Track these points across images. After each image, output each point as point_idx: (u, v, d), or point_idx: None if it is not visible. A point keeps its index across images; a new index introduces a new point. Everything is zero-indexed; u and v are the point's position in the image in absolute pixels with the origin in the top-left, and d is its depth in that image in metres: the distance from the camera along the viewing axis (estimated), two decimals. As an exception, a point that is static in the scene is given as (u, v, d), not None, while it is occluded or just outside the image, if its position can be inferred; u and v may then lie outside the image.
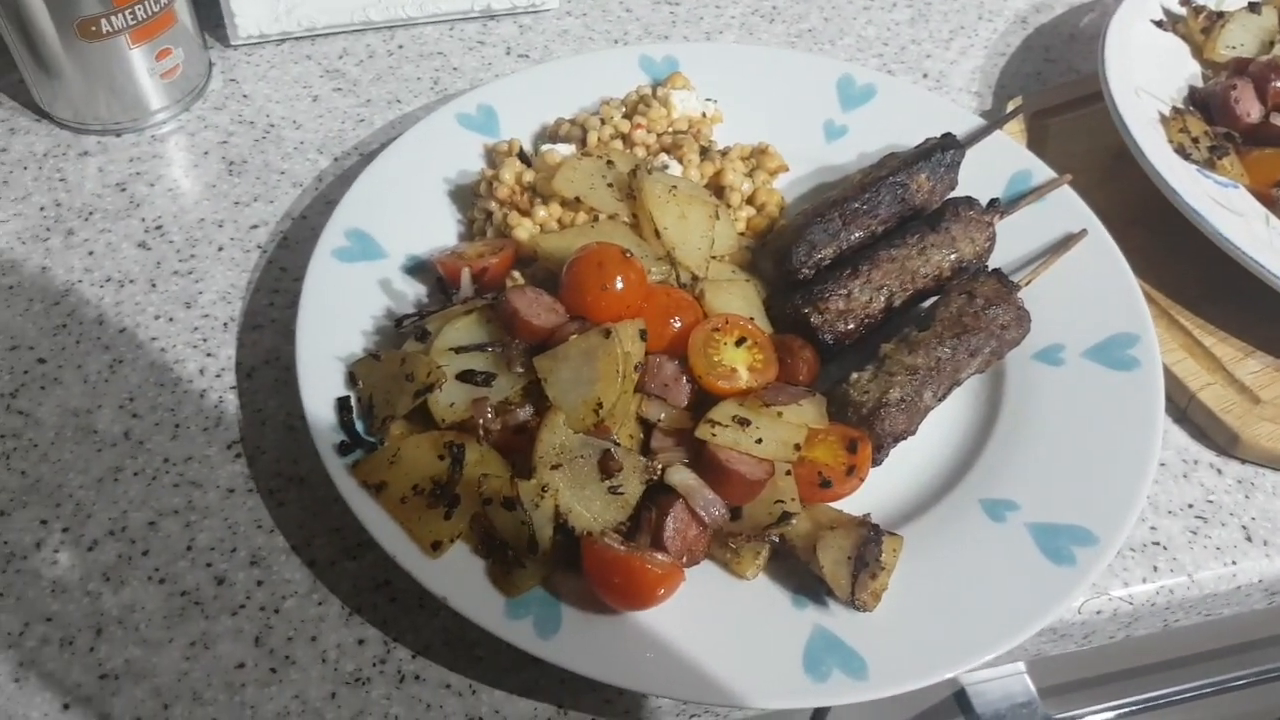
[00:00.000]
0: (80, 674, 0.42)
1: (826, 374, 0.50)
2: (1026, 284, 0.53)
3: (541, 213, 0.54)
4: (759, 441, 0.44)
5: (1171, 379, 0.53)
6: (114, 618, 0.43)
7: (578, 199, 0.54)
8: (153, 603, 0.44)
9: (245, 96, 0.66)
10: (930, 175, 0.56)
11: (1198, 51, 0.67)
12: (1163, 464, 0.51)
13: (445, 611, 0.43)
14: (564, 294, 0.48)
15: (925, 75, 0.71)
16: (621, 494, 0.42)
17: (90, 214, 0.59)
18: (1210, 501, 0.50)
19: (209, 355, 0.53)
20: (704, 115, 0.60)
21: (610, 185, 0.54)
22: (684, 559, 0.42)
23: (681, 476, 0.43)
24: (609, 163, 0.55)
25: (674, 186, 0.53)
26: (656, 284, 0.50)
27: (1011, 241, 0.56)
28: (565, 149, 0.56)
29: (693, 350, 0.47)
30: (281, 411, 0.50)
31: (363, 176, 0.55)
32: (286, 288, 0.56)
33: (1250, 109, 0.62)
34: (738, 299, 0.52)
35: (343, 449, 0.45)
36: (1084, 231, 0.56)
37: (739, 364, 0.47)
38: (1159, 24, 0.68)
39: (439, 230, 0.56)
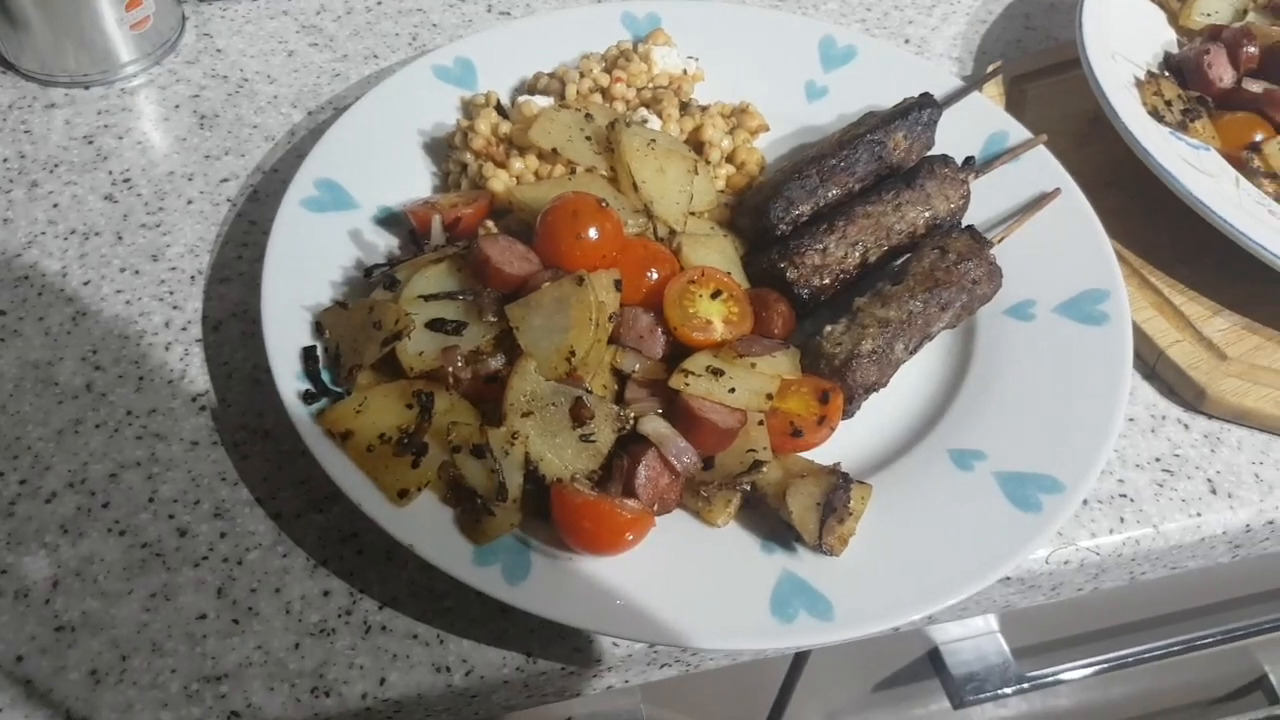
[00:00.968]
0: (35, 626, 0.41)
1: (801, 329, 0.50)
2: (999, 241, 0.54)
3: (518, 165, 0.53)
4: (732, 391, 0.44)
5: (1141, 336, 0.53)
6: (71, 569, 0.42)
7: (555, 151, 0.53)
8: (112, 555, 0.43)
9: (219, 51, 0.65)
10: (907, 134, 0.56)
11: (1173, 19, 0.68)
12: (1131, 419, 0.51)
13: (413, 563, 0.43)
14: (538, 243, 0.47)
15: (907, 41, 0.71)
16: (593, 442, 0.42)
17: (55, 166, 0.58)
18: (1177, 455, 0.50)
19: (175, 308, 0.52)
20: (685, 72, 0.60)
21: (588, 138, 0.54)
22: (655, 507, 0.42)
23: (654, 425, 0.43)
24: (587, 116, 0.54)
25: (653, 140, 0.53)
26: (633, 236, 0.50)
27: (986, 200, 0.56)
28: (543, 101, 0.56)
29: (668, 302, 0.47)
30: (248, 364, 0.50)
31: (334, 127, 0.54)
32: (255, 241, 0.55)
33: (1223, 74, 0.62)
34: (715, 254, 0.51)
35: (308, 398, 0.44)
36: (1057, 190, 0.56)
37: (714, 316, 0.47)
38: (1136, -9, 0.68)
39: (413, 182, 0.55)
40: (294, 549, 0.44)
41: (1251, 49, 0.62)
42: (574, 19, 0.62)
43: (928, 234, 0.53)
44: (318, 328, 0.47)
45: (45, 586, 0.42)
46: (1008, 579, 0.46)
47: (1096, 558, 0.47)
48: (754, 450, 0.43)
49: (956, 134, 0.58)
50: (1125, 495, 0.48)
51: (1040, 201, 0.56)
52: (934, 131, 0.57)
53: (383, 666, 0.41)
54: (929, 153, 0.57)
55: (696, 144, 0.57)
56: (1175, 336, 0.53)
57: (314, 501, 0.45)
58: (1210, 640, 0.66)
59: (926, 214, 0.54)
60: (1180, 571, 0.51)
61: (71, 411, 0.48)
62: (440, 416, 0.43)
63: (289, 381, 0.44)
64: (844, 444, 0.46)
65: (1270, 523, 0.49)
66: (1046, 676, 0.64)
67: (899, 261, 0.53)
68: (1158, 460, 0.50)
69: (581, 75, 0.57)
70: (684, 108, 0.57)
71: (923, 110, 0.57)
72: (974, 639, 0.61)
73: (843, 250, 0.52)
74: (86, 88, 0.62)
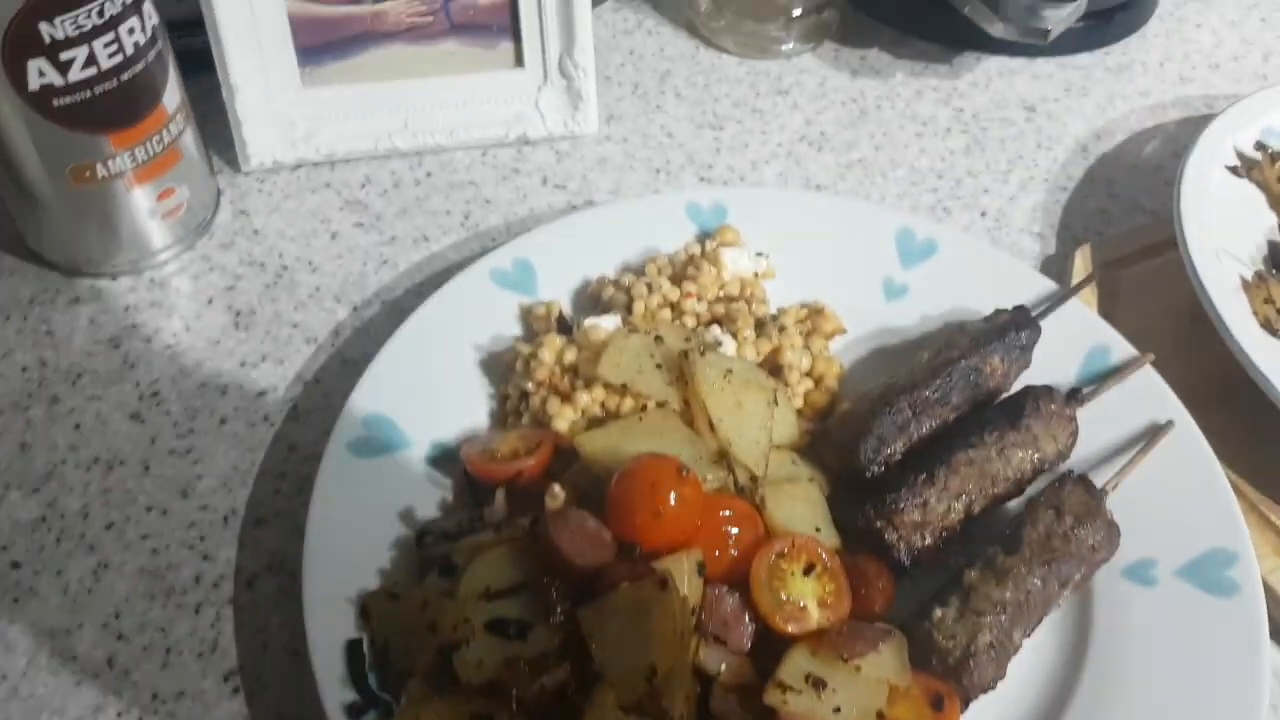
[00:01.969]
0: None
1: (899, 589, 0.45)
2: (1112, 488, 0.49)
3: (584, 398, 0.49)
4: (837, 710, 0.39)
5: (1273, 597, 0.48)
6: None
7: (624, 385, 0.49)
8: None
9: (256, 232, 0.61)
10: (1004, 358, 0.52)
11: (1275, 201, 0.63)
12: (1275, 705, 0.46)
13: None
14: (611, 514, 0.42)
15: (984, 214, 0.67)
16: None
17: (78, 377, 0.53)
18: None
19: (206, 558, 0.47)
20: (755, 275, 0.56)
21: (659, 366, 0.49)
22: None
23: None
24: (657, 339, 0.50)
25: (729, 370, 0.48)
26: (712, 493, 0.45)
27: (1088, 429, 0.51)
28: (609, 322, 0.51)
29: (756, 584, 0.42)
30: (285, 632, 0.45)
31: (385, 348, 0.50)
32: (294, 470, 0.50)
33: (1340, 275, 0.57)
34: (801, 504, 0.46)
35: (352, 711, 0.39)
36: (1170, 423, 0.51)
37: (809, 599, 0.42)
38: (1233, 170, 0.64)
39: (469, 407, 0.50)
40: None
41: (1369, 249, 0.58)
42: (637, 212, 0.58)
43: (1034, 477, 0.49)
44: (364, 611, 0.42)
45: None
46: None
47: None
48: (860, 773, 0.38)
49: (1053, 348, 0.53)
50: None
51: (1153, 439, 0.51)
52: (1031, 353, 0.53)
53: None
54: (1025, 373, 0.53)
55: (774, 366, 0.52)
56: (1311, 598, 0.48)
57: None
58: None
59: (1035, 457, 0.49)
60: None
61: (91, 697, 0.43)
62: (501, 739, 0.38)
63: (333, 690, 0.39)
64: (956, 751, 0.41)
65: None
66: None
67: (1010, 522, 0.48)
68: (1304, 760, 0.44)
69: (649, 289, 0.53)
70: (759, 326, 0.53)
71: (1019, 331, 0.52)
72: None
73: (945, 504, 0.47)
74: (114, 278, 0.57)
